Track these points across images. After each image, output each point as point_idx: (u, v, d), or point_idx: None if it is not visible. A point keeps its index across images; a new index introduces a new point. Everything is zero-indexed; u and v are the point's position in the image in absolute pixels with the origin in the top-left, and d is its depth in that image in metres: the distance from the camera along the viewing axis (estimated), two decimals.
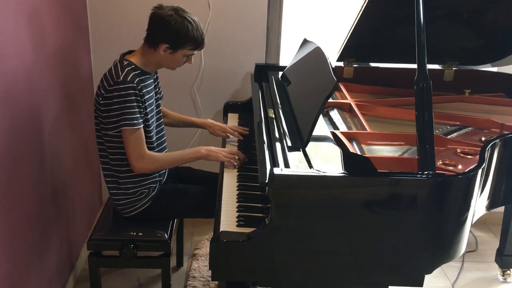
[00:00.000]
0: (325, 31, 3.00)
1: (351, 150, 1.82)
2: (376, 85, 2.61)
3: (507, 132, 1.99)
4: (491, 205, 1.90)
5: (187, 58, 1.97)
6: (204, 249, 2.75)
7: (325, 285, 1.60)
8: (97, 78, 2.71)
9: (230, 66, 2.79)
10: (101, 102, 1.90)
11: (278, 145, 1.76)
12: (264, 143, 1.85)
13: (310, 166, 1.58)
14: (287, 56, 2.90)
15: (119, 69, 1.87)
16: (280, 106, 2.11)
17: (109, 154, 1.98)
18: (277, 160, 1.65)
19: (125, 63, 1.90)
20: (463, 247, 1.63)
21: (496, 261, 2.66)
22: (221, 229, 1.61)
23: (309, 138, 1.69)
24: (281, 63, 2.83)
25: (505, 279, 2.64)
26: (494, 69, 2.74)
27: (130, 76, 1.85)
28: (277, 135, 1.86)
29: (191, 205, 2.11)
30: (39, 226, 2.02)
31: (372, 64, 2.71)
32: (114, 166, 1.99)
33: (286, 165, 1.60)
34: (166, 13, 1.87)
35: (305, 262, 1.57)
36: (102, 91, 1.90)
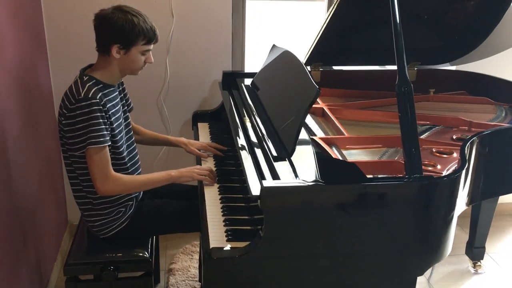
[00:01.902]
0: (287, 36, 3.01)
1: (334, 156, 1.81)
2: (344, 88, 2.62)
3: (482, 130, 2.04)
4: (471, 201, 1.95)
5: (145, 56, 1.87)
6: (180, 263, 2.68)
7: None
8: (57, 94, 2.59)
9: (196, 74, 2.73)
10: (63, 122, 1.80)
11: (261, 155, 1.73)
12: (247, 153, 1.81)
13: (296, 175, 1.56)
14: (252, 63, 2.88)
15: (80, 85, 1.77)
16: (257, 114, 2.07)
17: (79, 175, 1.88)
18: (263, 171, 1.62)
19: (86, 79, 1.81)
20: (450, 245, 1.67)
21: (467, 253, 2.74)
22: (211, 246, 1.56)
23: (295, 147, 1.67)
24: (246, 70, 2.80)
25: (476, 270, 2.72)
26: (453, 68, 2.83)
27: (92, 92, 1.76)
28: (258, 145, 1.82)
29: (170, 221, 2.04)
30: (6, 253, 1.89)
31: (336, 68, 2.73)
32: (86, 187, 1.89)
33: (275, 176, 1.57)
34: (108, 12, 1.80)
35: (300, 271, 1.55)
36: (64, 111, 1.79)
